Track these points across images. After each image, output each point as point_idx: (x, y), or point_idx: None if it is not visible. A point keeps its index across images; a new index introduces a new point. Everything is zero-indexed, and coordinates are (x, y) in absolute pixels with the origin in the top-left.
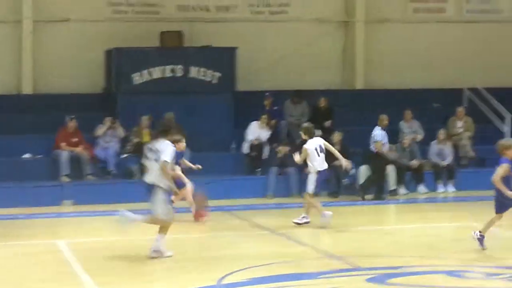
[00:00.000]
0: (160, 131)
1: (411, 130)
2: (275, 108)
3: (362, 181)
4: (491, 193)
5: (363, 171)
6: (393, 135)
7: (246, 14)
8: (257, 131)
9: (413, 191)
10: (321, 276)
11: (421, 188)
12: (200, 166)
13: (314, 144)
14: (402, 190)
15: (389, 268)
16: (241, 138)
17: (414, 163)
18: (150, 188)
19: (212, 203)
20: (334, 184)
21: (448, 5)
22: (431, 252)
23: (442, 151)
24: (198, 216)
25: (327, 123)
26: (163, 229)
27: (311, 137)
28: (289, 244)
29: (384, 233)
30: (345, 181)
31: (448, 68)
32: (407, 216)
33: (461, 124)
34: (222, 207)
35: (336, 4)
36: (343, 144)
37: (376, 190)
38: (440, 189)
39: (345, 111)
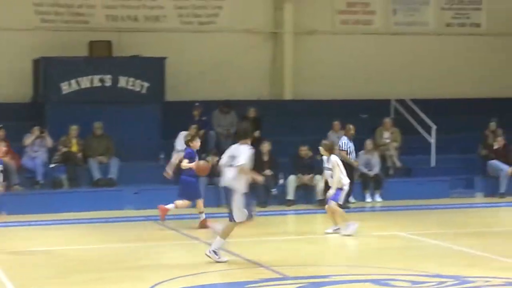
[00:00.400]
0: (239, 136)
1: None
2: (204, 118)
3: (290, 191)
4: (417, 202)
5: (291, 181)
6: None
7: (175, 24)
8: None
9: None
10: (249, 286)
11: (350, 198)
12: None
13: (338, 159)
14: None
15: (317, 277)
16: (170, 148)
17: None
18: (227, 191)
19: (140, 213)
20: (263, 194)
21: (375, 17)
22: (359, 261)
23: (369, 161)
24: (204, 224)
25: (256, 133)
26: (225, 233)
27: (332, 153)
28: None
29: (312, 242)
30: (274, 191)
31: (376, 79)
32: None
33: (388, 135)
34: (151, 217)
35: (265, 15)
36: (272, 154)
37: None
38: (368, 199)
39: (273, 121)
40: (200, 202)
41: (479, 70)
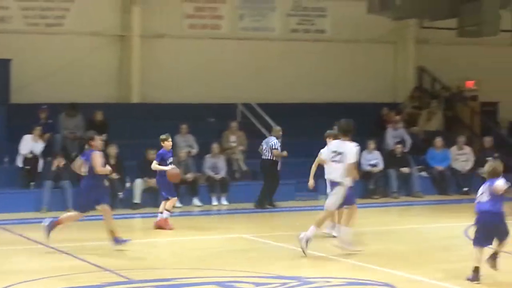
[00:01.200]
0: (342, 131)
1: (187, 143)
2: (50, 121)
3: (137, 195)
4: None
5: (138, 185)
6: None
7: (21, 26)
8: (30, 144)
9: (188, 204)
10: None
11: (196, 201)
12: None
13: None
14: (177, 203)
15: (162, 280)
16: (14, 152)
17: (189, 176)
18: (333, 185)
19: None
20: (110, 198)
21: (223, 22)
22: (203, 264)
23: (216, 165)
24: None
25: (103, 137)
26: (347, 220)
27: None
28: (64, 258)
29: (157, 245)
30: (120, 194)
31: (223, 84)
32: (181, 228)
33: (234, 139)
34: None
35: (113, 18)
36: (119, 158)
37: (268, 197)
38: (214, 202)
39: (120, 125)
40: (171, 201)
41: (324, 76)
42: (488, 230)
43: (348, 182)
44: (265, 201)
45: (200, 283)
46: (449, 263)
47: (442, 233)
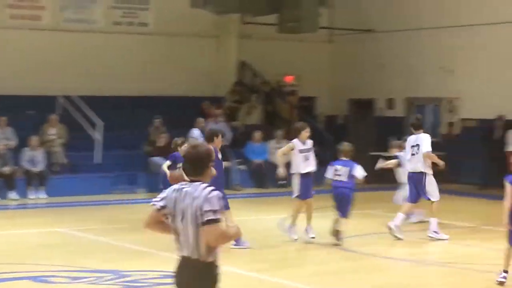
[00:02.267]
0: (415, 126)
1: (4, 136)
2: None
3: None
4: (81, 198)
5: None
6: None
7: None
8: None
9: (4, 198)
10: None
11: (13, 194)
12: None
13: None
14: None
15: None
16: None
17: (6, 169)
18: (417, 176)
19: None
20: None
21: (44, 13)
22: (17, 259)
23: (34, 158)
24: None
25: None
26: (435, 212)
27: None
28: None
29: None
30: None
31: (44, 76)
32: None
33: (54, 131)
34: None
35: None
36: None
37: None
38: (32, 195)
39: None
40: None
41: (146, 69)
42: (342, 202)
43: (429, 170)
44: None
45: (13, 278)
46: (266, 255)
47: (260, 226)
